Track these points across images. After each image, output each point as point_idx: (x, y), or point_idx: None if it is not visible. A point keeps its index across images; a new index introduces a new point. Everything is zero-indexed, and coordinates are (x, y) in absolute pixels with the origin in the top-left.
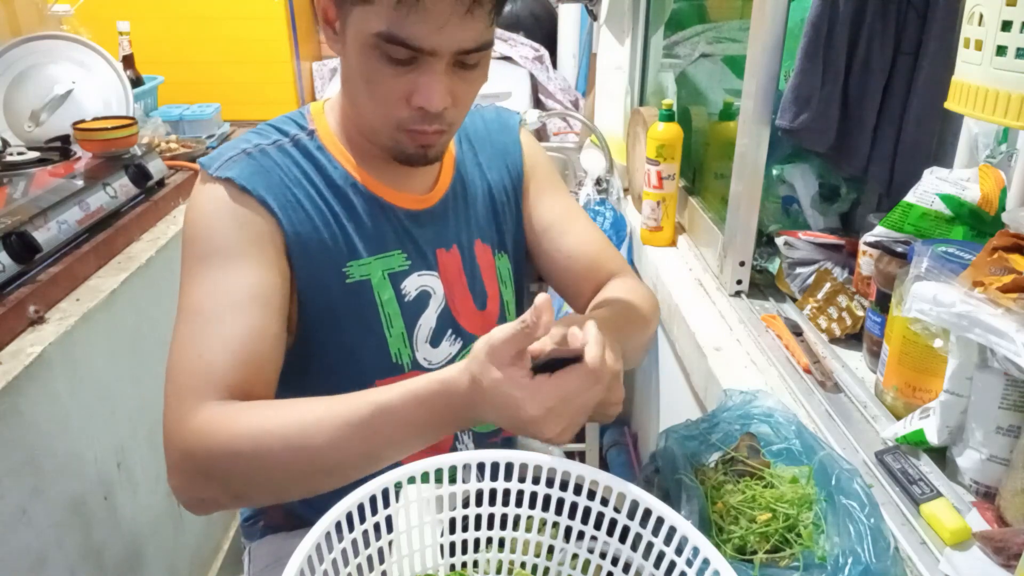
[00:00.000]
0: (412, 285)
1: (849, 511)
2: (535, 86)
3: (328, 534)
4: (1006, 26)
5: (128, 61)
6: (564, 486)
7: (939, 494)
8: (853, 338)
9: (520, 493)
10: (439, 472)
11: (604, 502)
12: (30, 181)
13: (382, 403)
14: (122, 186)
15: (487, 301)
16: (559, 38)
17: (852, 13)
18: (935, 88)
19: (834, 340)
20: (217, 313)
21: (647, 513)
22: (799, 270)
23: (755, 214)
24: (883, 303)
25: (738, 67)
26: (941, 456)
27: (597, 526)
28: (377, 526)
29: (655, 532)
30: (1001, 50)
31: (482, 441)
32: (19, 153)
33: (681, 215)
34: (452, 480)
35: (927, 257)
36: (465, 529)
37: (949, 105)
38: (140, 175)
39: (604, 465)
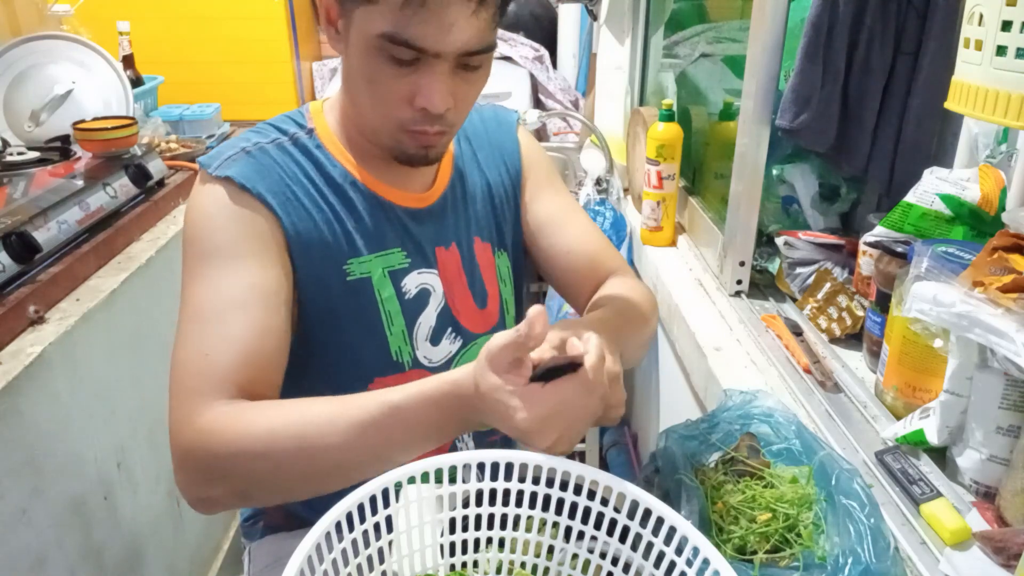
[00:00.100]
0: (412, 283)
1: (849, 511)
2: (535, 86)
3: (328, 534)
4: (1006, 26)
5: (128, 61)
6: (564, 486)
7: (939, 494)
8: (853, 338)
9: (520, 493)
10: (439, 472)
11: (604, 502)
12: (30, 181)
13: (393, 403)
14: (122, 186)
15: (487, 299)
16: (559, 38)
17: (852, 13)
18: (935, 88)
19: (834, 340)
20: (220, 312)
21: (647, 513)
22: (799, 270)
23: (755, 214)
24: (883, 303)
25: (738, 67)
26: (941, 456)
27: (597, 526)
28: (377, 526)
29: (655, 532)
30: (1001, 50)
31: (482, 440)
32: (19, 153)
33: (681, 215)
34: (452, 480)
35: (927, 257)
36: (465, 529)
37: (949, 105)
38: (140, 175)
39: (604, 465)
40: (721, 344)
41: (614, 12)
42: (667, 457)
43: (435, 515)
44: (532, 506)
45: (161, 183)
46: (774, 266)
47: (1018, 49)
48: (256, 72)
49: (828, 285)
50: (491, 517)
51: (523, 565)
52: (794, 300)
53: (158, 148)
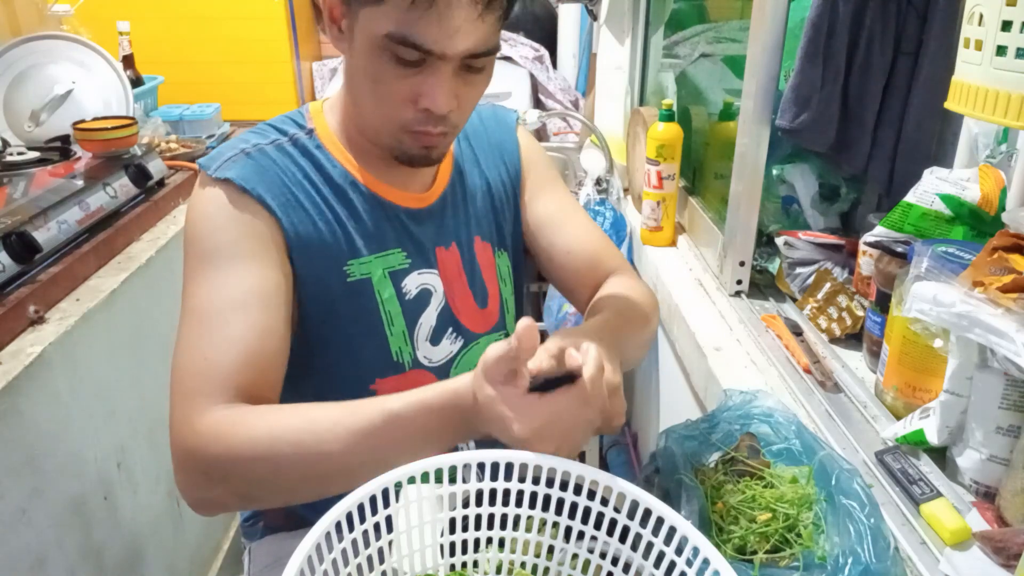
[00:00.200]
0: (412, 283)
1: (849, 511)
2: (535, 86)
3: (328, 534)
4: (1006, 26)
5: (128, 61)
6: (564, 486)
7: (939, 494)
8: (853, 338)
9: (520, 493)
10: (439, 472)
11: (604, 502)
12: (30, 181)
13: (393, 411)
14: (122, 186)
15: (487, 299)
16: (559, 38)
17: (852, 13)
18: (935, 88)
19: (834, 340)
20: (221, 314)
21: (647, 513)
22: (799, 270)
23: (755, 214)
24: (883, 303)
25: (738, 67)
26: (941, 456)
27: (597, 526)
28: (377, 526)
29: (655, 532)
30: (1001, 50)
31: (483, 440)
32: (19, 153)
33: (681, 215)
34: (452, 480)
35: (927, 257)
36: (465, 529)
37: (949, 105)
38: (140, 175)
39: (604, 465)
40: (721, 344)
41: (614, 12)
42: (667, 457)
43: (435, 515)
44: (532, 506)
45: (161, 183)
46: (774, 266)
47: (1018, 49)
48: (256, 72)
49: (828, 285)
50: (491, 517)
51: (523, 565)
52: (794, 300)
53: (158, 148)
